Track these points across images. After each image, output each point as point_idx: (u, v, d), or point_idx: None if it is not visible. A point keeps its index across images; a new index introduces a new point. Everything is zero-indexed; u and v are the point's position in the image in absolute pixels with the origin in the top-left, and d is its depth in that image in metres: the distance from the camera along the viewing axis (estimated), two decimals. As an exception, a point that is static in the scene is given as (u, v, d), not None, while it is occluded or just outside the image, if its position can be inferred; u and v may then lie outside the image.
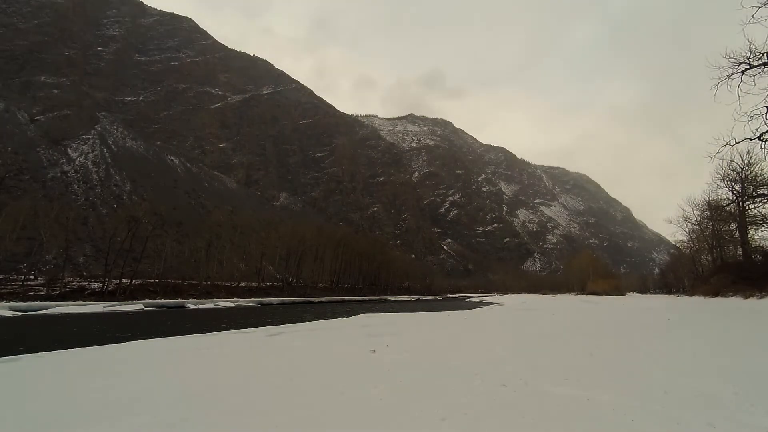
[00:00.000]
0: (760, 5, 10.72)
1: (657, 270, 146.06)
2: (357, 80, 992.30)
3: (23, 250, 48.57)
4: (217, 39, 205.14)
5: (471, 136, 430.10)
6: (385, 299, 68.54)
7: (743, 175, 35.45)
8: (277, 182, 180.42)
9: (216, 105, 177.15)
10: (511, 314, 21.46)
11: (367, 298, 67.56)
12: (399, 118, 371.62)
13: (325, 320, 18.52)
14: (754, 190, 34.47)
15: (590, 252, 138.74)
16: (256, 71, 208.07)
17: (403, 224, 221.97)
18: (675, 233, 61.99)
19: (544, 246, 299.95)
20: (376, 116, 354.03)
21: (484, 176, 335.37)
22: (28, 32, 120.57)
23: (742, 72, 11.92)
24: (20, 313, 25.35)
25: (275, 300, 48.03)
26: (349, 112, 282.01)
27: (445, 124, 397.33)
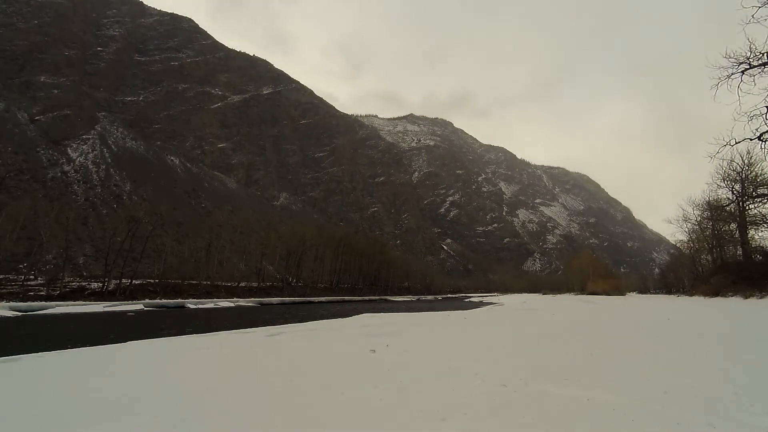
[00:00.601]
0: (760, 5, 10.71)
1: (657, 270, 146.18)
2: (388, 102, 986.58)
3: (23, 250, 48.54)
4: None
5: (471, 136, 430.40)
6: (385, 299, 68.53)
7: (743, 175, 35.51)
8: (277, 182, 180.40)
9: (216, 105, 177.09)
10: (511, 314, 21.45)
11: (367, 298, 67.54)
12: (399, 118, 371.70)
13: (325, 320, 18.51)
14: (754, 190, 34.51)
15: (590, 252, 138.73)
16: (256, 71, 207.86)
17: (403, 224, 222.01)
18: (675, 233, 62.16)
19: (544, 246, 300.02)
20: (376, 116, 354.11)
21: (484, 176, 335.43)
22: (28, 32, 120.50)
23: (742, 72, 11.91)
24: (20, 313, 25.33)
25: (275, 300, 48.01)
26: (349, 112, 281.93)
27: (445, 124, 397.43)
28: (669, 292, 77.26)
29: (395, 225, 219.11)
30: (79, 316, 25.34)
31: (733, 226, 41.56)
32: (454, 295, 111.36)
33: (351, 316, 20.43)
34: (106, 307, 30.11)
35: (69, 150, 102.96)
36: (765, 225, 36.43)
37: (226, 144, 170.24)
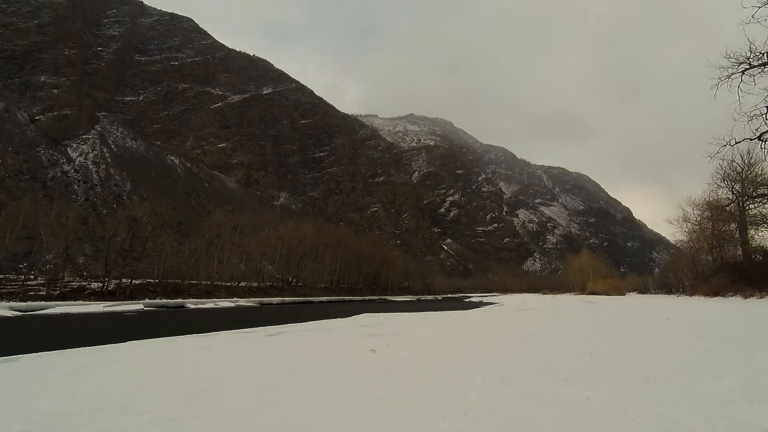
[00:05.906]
0: (760, 5, 10.71)
1: (657, 270, 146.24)
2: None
3: (23, 250, 48.51)
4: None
5: (471, 136, 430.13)
6: (385, 299, 68.48)
7: (743, 175, 35.52)
8: (277, 182, 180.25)
9: (216, 105, 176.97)
10: (511, 314, 21.47)
11: (367, 298, 67.51)
12: (399, 118, 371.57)
13: (325, 320, 18.50)
14: (754, 190, 34.50)
15: (590, 252, 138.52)
16: (256, 71, 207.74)
17: (403, 224, 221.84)
18: (675, 233, 62.05)
19: (544, 246, 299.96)
20: (376, 116, 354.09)
21: (484, 176, 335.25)
22: (28, 32, 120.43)
23: (742, 72, 11.90)
24: (20, 313, 25.31)
25: (275, 300, 48.01)
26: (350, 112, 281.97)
27: (445, 124, 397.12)
28: (669, 292, 77.22)
29: (395, 225, 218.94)
30: (79, 316, 25.34)
31: (733, 226, 41.56)
32: (454, 295, 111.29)
33: (351, 315, 20.43)
34: (106, 307, 30.08)
35: (69, 150, 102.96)
36: (765, 225, 36.45)
37: (226, 144, 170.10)
